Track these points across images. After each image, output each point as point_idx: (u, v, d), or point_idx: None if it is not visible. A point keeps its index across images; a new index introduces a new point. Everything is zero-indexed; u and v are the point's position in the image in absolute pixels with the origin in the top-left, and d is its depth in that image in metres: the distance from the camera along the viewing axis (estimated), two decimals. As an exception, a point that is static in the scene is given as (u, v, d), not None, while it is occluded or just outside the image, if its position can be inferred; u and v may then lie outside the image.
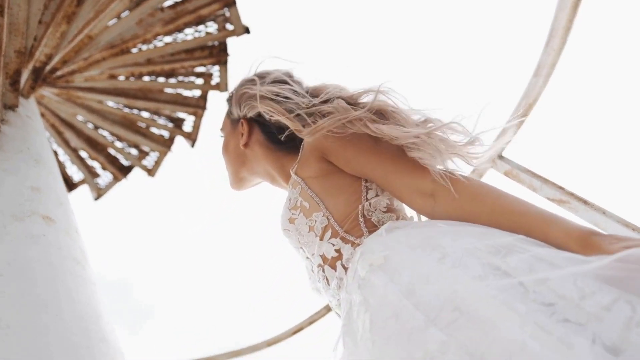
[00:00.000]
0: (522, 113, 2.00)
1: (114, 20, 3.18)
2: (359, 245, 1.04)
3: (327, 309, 3.09)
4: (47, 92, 3.64)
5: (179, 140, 4.48)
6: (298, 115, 1.16)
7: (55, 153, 4.40)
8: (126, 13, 3.20)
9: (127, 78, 3.79)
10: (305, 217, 1.12)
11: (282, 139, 1.24)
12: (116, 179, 4.74)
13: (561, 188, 1.85)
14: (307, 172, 1.16)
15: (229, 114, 1.42)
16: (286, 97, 1.21)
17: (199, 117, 4.35)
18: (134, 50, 3.51)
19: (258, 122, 1.32)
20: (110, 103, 4.06)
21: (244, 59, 4.18)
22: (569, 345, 0.59)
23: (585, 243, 0.77)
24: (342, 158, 1.11)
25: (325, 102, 1.15)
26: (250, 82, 1.31)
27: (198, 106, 4.23)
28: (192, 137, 4.42)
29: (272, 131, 1.29)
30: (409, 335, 0.74)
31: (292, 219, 1.15)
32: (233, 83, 3.98)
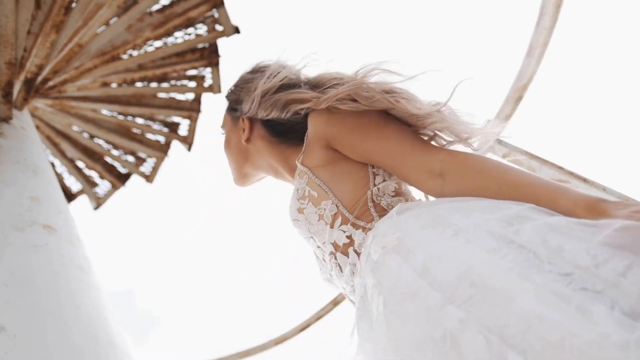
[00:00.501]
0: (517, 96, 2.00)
1: (103, 27, 3.18)
2: (370, 229, 1.04)
3: (334, 303, 3.08)
4: (40, 104, 3.63)
5: (176, 144, 4.48)
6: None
7: (52, 165, 4.39)
8: (115, 19, 3.19)
9: (119, 85, 3.79)
10: (314, 206, 1.13)
11: (286, 128, 1.25)
12: (115, 187, 4.73)
13: (560, 168, 1.85)
14: (313, 162, 1.16)
15: (230, 110, 1.42)
16: (295, 86, 1.23)
17: (193, 121, 4.34)
18: (125, 57, 3.51)
19: (259, 117, 1.31)
20: (104, 111, 4.05)
21: (236, 60, 4.18)
22: (587, 312, 0.60)
23: (593, 210, 0.77)
24: (347, 144, 1.11)
25: (331, 88, 1.16)
26: (257, 76, 1.31)
27: (192, 109, 4.23)
28: (188, 141, 4.41)
29: (274, 125, 1.28)
30: (425, 314, 0.74)
31: (301, 208, 1.15)
32: (226, 84, 3.96)
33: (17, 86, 2.61)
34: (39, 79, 2.85)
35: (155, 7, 3.38)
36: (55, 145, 4.30)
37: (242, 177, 1.42)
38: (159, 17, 3.40)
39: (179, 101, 4.20)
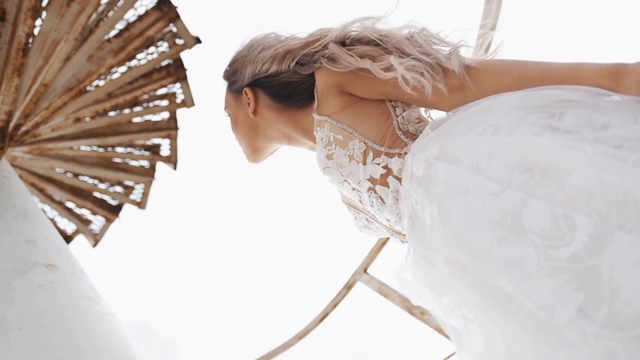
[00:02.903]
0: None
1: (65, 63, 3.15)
2: (406, 153, 1.06)
3: (347, 288, 3.09)
4: (17, 152, 3.60)
5: (161, 166, 4.45)
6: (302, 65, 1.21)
7: (43, 211, 4.36)
8: (75, 53, 3.16)
9: (92, 118, 3.75)
10: (342, 149, 1.13)
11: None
12: (109, 221, 4.71)
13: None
14: (330, 109, 1.17)
15: (230, 89, 1.41)
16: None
17: (173, 139, 4.32)
18: (92, 88, 3.48)
19: (261, 85, 1.31)
20: (83, 147, 4.02)
21: (205, 69, 4.17)
22: None
23: (617, 75, 0.79)
24: (362, 85, 1.13)
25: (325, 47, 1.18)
26: (257, 43, 1.31)
27: (170, 128, 4.21)
28: (172, 160, 4.40)
29: (278, 90, 1.29)
30: (482, 202, 0.74)
31: (330, 154, 1.16)
32: (198, 96, 3.91)
33: (-9, 137, 2.59)
34: (11, 125, 2.83)
35: (113, 33, 3.35)
36: (41, 191, 4.27)
37: (254, 152, 1.41)
38: (118, 42, 3.37)
39: (155, 122, 4.18)
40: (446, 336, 2.66)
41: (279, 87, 1.27)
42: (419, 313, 2.64)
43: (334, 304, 3.13)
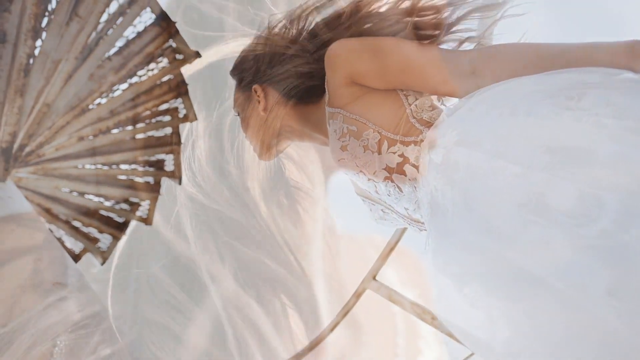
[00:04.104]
0: None
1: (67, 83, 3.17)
2: (422, 141, 1.05)
3: (357, 296, 3.07)
4: (22, 173, 3.60)
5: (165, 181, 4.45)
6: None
7: (50, 231, 4.35)
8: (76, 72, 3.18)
9: (96, 136, 3.76)
10: (356, 140, 1.13)
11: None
12: (116, 238, 4.69)
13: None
14: (341, 101, 1.17)
15: (239, 87, 1.41)
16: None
17: (177, 154, 4.31)
18: (95, 106, 3.49)
19: (270, 80, 1.31)
20: (88, 165, 4.02)
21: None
22: None
23: (632, 54, 0.79)
24: (373, 75, 1.13)
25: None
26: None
27: (173, 143, 4.20)
28: (176, 175, 4.38)
29: (287, 86, 1.29)
30: (506, 185, 0.74)
31: (344, 146, 1.15)
32: (200, 110, 3.90)
33: (-5, 158, 2.60)
34: (15, 146, 2.84)
35: (113, 51, 3.37)
36: (47, 211, 4.25)
37: (266, 150, 1.40)
38: (118, 60, 3.39)
39: (158, 138, 4.17)
40: (458, 341, 2.64)
41: (288, 81, 1.28)
42: (429, 319, 2.63)
43: (345, 313, 3.11)
